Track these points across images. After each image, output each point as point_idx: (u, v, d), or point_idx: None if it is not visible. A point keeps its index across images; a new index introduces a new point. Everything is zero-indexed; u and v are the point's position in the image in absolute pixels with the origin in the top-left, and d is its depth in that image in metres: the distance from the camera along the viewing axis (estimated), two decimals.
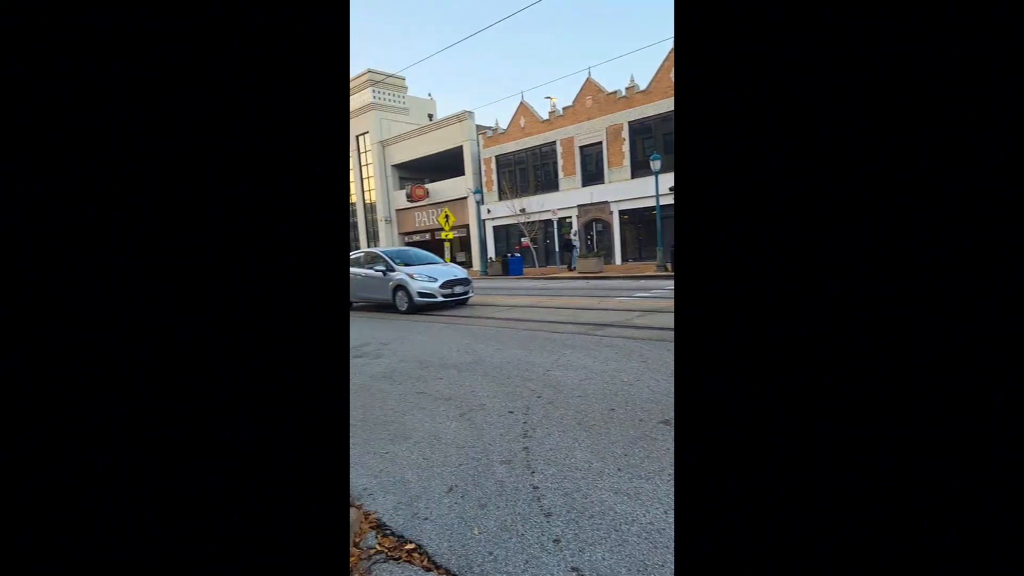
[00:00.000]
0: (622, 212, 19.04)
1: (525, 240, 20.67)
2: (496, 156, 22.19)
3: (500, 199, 21.99)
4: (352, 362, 5.05)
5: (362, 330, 6.96)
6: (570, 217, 20.26)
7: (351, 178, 28.85)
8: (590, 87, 19.31)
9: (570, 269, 17.07)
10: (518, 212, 19.84)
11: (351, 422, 3.20)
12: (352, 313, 9.09)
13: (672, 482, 1.94)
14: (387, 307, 9.10)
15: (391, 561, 1.60)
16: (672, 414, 2.69)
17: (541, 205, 19.71)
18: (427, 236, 26.93)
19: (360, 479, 2.25)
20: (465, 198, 23.15)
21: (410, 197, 25.52)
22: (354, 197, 28.79)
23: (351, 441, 2.80)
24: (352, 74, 28.46)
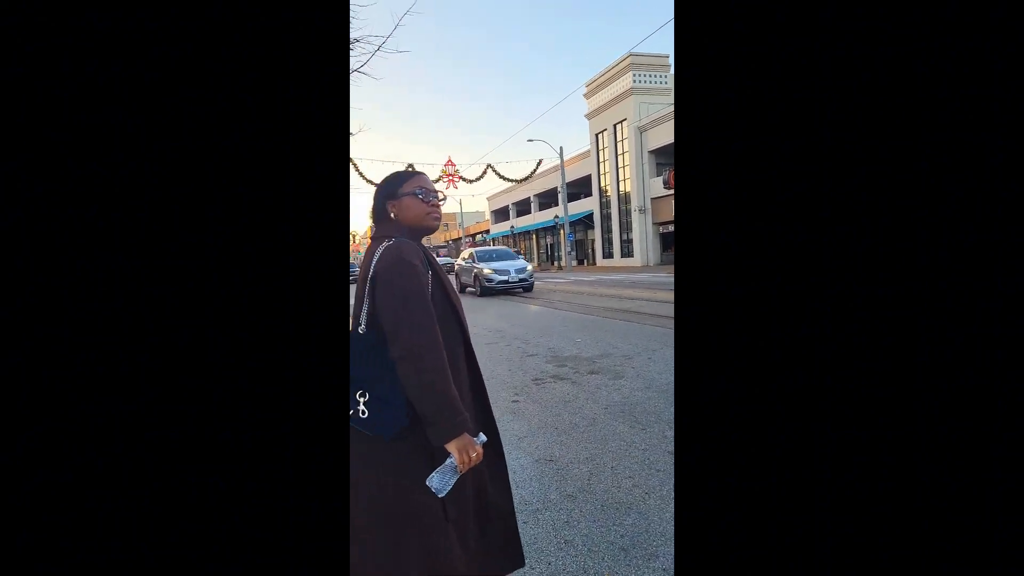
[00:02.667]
0: None
1: None
2: None
3: None
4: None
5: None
6: None
7: (606, 169, 28.58)
8: None
9: None
10: None
11: None
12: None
13: None
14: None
15: None
16: None
17: None
18: None
19: None
20: None
21: (667, 184, 23.72)
22: (609, 188, 28.45)
23: None
24: (608, 60, 27.83)
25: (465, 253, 15.36)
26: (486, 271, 12.93)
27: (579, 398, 3.68)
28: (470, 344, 1.34)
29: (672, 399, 3.43)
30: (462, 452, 1.14)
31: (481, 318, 8.62)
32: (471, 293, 13.76)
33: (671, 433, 2.86)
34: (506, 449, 2.77)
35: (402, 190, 1.32)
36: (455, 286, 12.54)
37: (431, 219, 1.32)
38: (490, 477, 1.35)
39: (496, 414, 3.49)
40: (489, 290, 12.78)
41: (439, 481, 1.15)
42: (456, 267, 15.59)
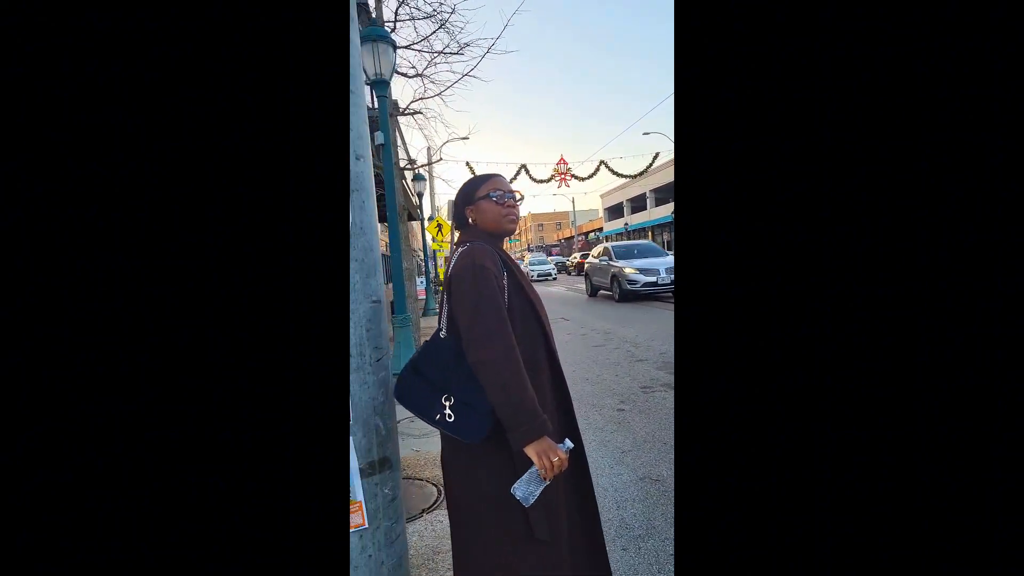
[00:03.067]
0: None
1: None
2: None
3: None
4: None
5: None
6: None
7: None
8: None
9: None
10: None
11: None
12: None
13: None
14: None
15: None
16: None
17: None
18: None
19: None
20: None
21: None
22: None
23: None
24: None
25: (598, 249, 12.83)
26: (627, 270, 10.33)
27: None
28: (552, 345, 1.31)
29: None
30: (541, 456, 1.10)
31: (588, 319, 8.40)
32: (606, 296, 11.81)
33: None
34: (608, 463, 2.63)
35: (478, 194, 1.32)
36: (588, 288, 10.46)
37: (508, 221, 1.31)
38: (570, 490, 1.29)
39: (599, 423, 3.34)
40: (631, 293, 10.26)
41: (523, 490, 1.12)
42: (587, 266, 13.33)
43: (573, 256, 32.25)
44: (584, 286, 13.52)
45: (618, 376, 4.45)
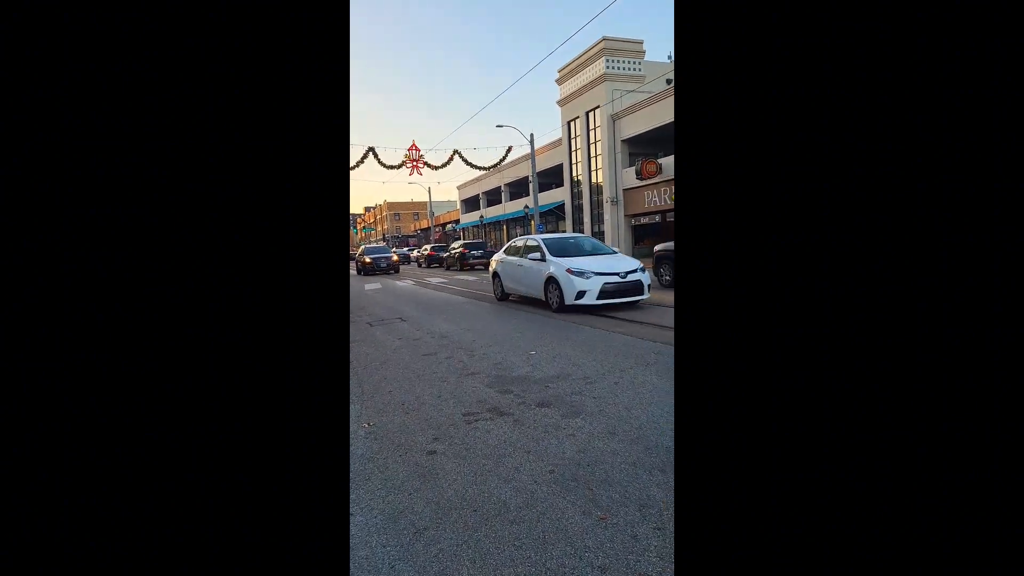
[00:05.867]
0: None
1: None
2: None
3: None
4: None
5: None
6: None
7: (577, 159, 27.70)
8: None
9: None
10: None
11: None
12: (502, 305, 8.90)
13: None
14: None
15: None
16: None
17: None
18: (656, 218, 24.00)
19: None
20: None
21: (640, 174, 22.92)
22: (581, 178, 27.63)
23: None
24: (584, 45, 26.95)
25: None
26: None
27: (517, 450, 2.64)
28: None
29: (647, 450, 2.43)
30: None
31: (434, 320, 7.51)
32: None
33: (644, 528, 1.84)
34: (393, 553, 1.69)
35: None
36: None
37: None
38: None
39: (399, 477, 2.37)
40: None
41: None
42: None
43: (424, 248, 31.04)
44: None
45: (441, 398, 3.62)
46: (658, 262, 10.70)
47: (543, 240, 8.36)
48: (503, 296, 9.45)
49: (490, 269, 10.14)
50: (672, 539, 1.79)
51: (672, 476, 2.22)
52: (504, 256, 9.42)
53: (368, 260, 21.31)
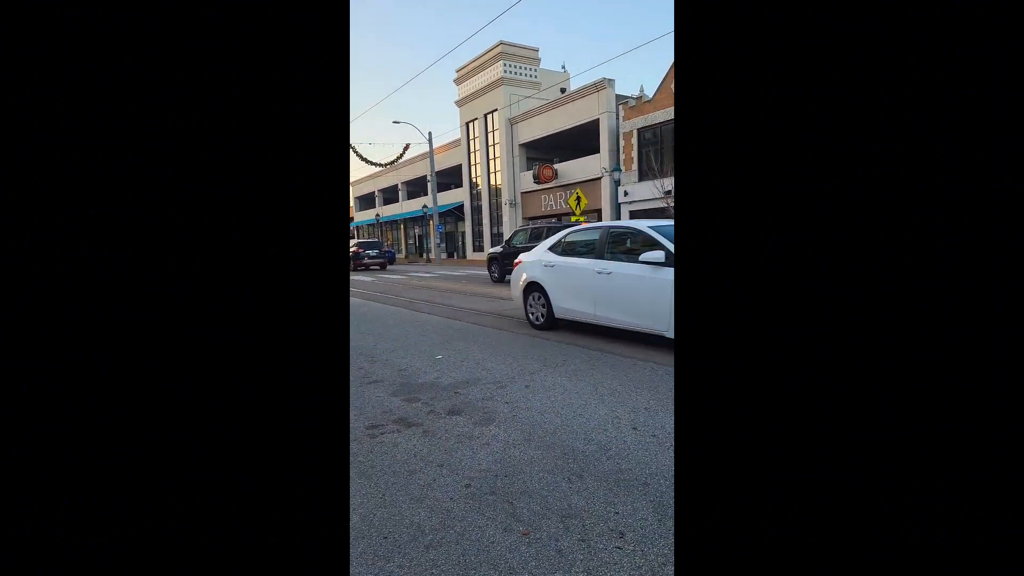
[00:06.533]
0: None
1: None
2: (638, 130, 19.25)
3: (641, 179, 19.06)
4: None
5: None
6: None
7: (476, 160, 27.77)
8: None
9: None
10: (664, 194, 16.74)
11: None
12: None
13: None
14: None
15: None
16: None
17: None
18: (553, 221, 24.80)
19: None
20: (599, 179, 20.58)
21: (537, 178, 23.49)
22: (480, 180, 27.71)
23: None
24: (481, 47, 27.11)
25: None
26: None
27: (429, 464, 2.46)
28: None
29: (564, 456, 2.38)
30: None
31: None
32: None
33: (567, 541, 1.76)
34: None
35: None
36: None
37: None
38: None
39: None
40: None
41: None
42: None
43: None
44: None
45: None
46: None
47: (656, 232, 4.61)
48: (550, 322, 5.64)
49: (519, 279, 6.06)
50: (604, 550, 1.74)
51: (590, 482, 2.18)
52: (553, 257, 5.66)
53: None
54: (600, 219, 21.52)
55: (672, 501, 2.01)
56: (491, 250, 13.88)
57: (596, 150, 21.03)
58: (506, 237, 19.63)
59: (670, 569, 1.62)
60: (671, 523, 1.85)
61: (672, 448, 2.47)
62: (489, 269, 13.33)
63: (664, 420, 2.87)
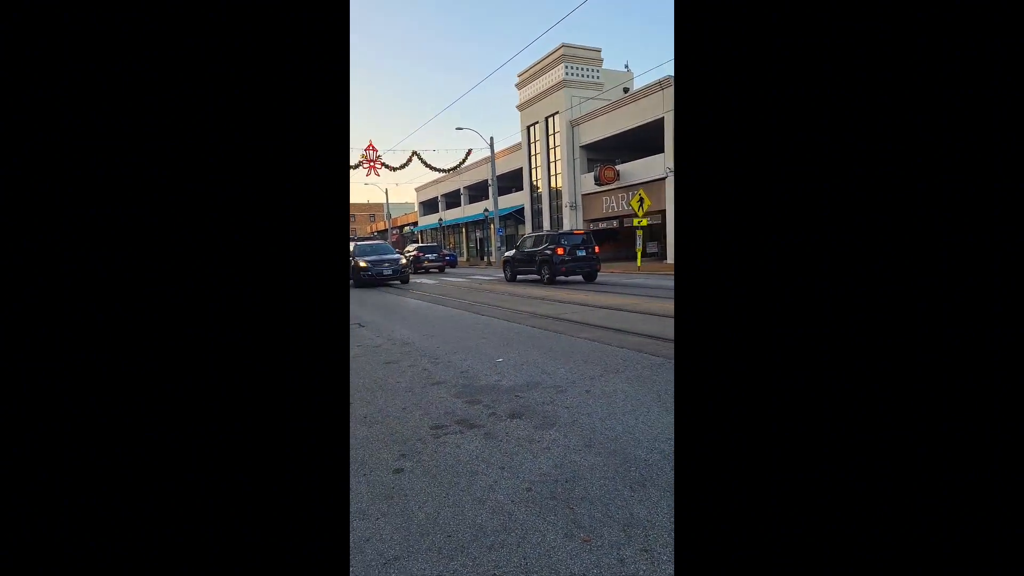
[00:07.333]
0: None
1: None
2: None
3: None
4: None
5: None
6: None
7: (537, 163, 27.86)
8: None
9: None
10: None
11: None
12: None
13: None
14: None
15: None
16: None
17: None
18: (614, 223, 24.43)
19: None
20: (663, 179, 20.02)
21: (598, 180, 23.26)
22: (540, 182, 27.77)
23: None
24: (543, 51, 27.19)
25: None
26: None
27: (491, 466, 2.50)
28: None
29: (625, 463, 2.35)
30: None
31: (392, 326, 7.26)
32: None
33: (630, 550, 1.75)
34: None
35: None
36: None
37: None
38: None
39: (361, 503, 2.20)
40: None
41: None
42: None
43: None
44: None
45: (405, 410, 3.44)
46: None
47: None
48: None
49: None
50: (668, 561, 1.71)
51: (653, 492, 2.14)
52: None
53: (364, 265, 14.02)
54: (664, 221, 20.93)
55: None
56: (506, 254, 15.89)
57: (660, 149, 20.53)
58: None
59: None
60: None
61: None
62: (504, 269, 15.60)
63: None
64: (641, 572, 1.65)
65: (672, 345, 4.87)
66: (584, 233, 13.58)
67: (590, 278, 13.30)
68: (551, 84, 25.67)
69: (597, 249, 13.57)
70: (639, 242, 19.24)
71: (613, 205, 23.18)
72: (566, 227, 25.16)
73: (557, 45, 25.28)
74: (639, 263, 18.98)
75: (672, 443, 2.63)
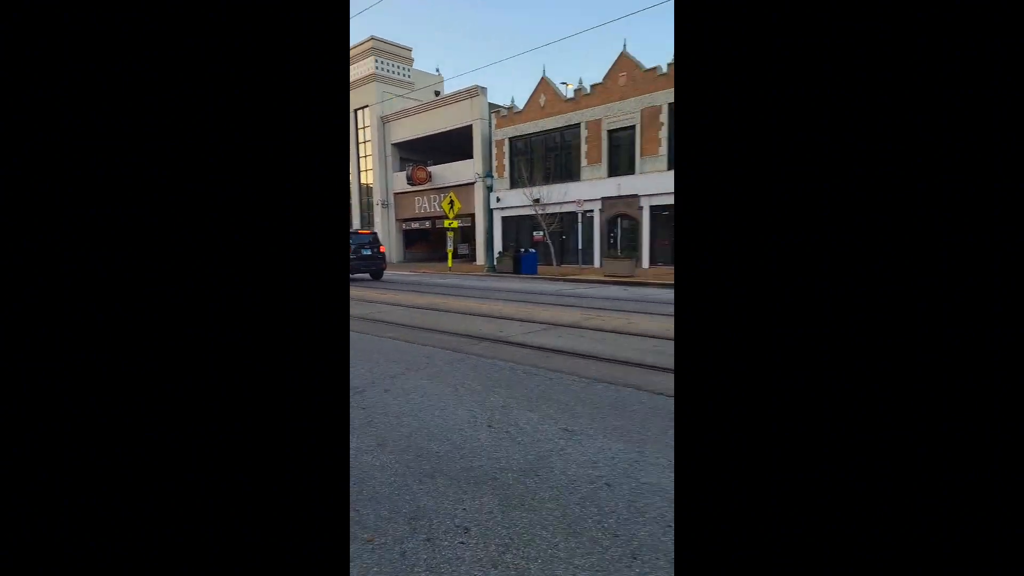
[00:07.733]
0: (654, 208, 16.74)
1: (539, 234, 18.35)
2: (510, 138, 19.91)
3: (512, 187, 19.71)
4: None
5: None
6: (591, 211, 17.89)
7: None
8: (624, 63, 16.98)
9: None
10: (533, 202, 17.51)
11: None
12: None
13: None
14: None
15: None
16: None
17: (563, 195, 17.30)
18: (427, 224, 24.64)
19: None
20: (472, 184, 20.88)
21: (411, 180, 23.12)
22: (350, 178, 26.52)
23: None
24: (353, 40, 26.08)
25: None
26: None
27: None
28: None
29: (417, 458, 2.38)
30: None
31: None
32: None
33: (413, 543, 1.77)
34: None
35: None
36: None
37: None
38: None
39: None
40: None
41: None
42: None
43: None
44: None
45: None
46: None
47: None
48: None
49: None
50: (448, 547, 1.76)
51: (441, 481, 2.21)
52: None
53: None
54: (473, 223, 21.80)
55: (519, 492, 2.11)
56: None
57: (470, 155, 21.31)
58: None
59: (510, 557, 1.71)
60: (515, 513, 1.95)
61: (524, 443, 2.59)
62: None
63: (518, 417, 3.00)
64: (422, 561, 1.68)
65: (475, 342, 5.09)
66: (371, 233, 14.92)
67: (377, 276, 14.72)
68: (361, 75, 24.74)
69: (383, 248, 14.98)
70: (450, 243, 19.71)
71: (425, 206, 23.34)
72: (378, 225, 24.51)
73: (367, 37, 24.46)
74: (450, 263, 19.46)
75: (462, 434, 2.75)
